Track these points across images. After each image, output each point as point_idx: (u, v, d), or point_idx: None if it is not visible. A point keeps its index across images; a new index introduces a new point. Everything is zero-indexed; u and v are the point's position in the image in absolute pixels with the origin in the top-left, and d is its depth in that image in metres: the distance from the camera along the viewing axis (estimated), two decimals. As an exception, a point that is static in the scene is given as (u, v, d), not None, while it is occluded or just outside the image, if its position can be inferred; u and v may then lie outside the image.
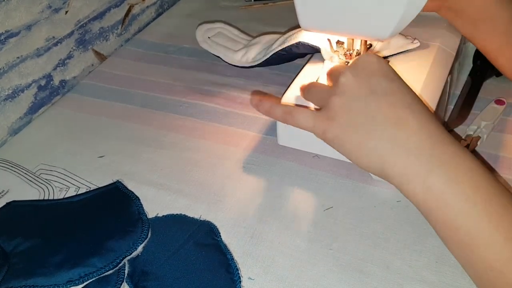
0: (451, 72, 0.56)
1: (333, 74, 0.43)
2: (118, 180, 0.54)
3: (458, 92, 0.62)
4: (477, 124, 0.56)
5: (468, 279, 0.42)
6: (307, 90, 0.45)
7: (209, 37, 0.72)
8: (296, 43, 0.59)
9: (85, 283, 0.43)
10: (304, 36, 0.59)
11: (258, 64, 0.66)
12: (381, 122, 0.37)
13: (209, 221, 0.49)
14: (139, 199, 0.51)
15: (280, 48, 0.61)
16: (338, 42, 0.54)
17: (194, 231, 0.48)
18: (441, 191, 0.35)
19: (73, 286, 0.43)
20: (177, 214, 0.50)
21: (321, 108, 0.41)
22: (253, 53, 0.67)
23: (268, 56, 0.63)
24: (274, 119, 0.46)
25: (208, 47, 0.71)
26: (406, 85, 0.40)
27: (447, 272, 0.43)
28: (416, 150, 0.36)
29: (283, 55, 0.63)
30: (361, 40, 0.52)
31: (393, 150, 0.36)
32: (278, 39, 0.65)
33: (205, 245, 0.46)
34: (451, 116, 0.59)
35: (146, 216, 0.49)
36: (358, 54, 0.53)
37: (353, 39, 0.52)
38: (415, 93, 0.40)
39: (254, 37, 0.71)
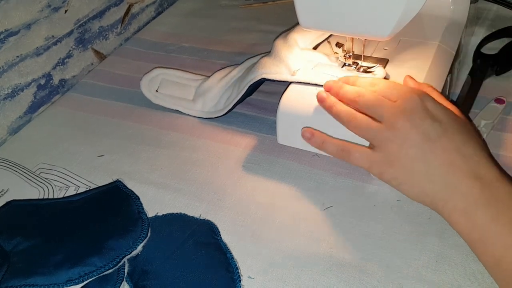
0: (450, 71, 0.56)
1: (377, 109, 0.44)
2: (118, 179, 0.54)
3: (458, 91, 0.62)
4: (477, 123, 0.56)
5: (468, 279, 0.42)
6: (350, 121, 0.45)
7: (156, 90, 0.66)
8: (259, 80, 0.56)
9: (85, 282, 0.43)
10: (265, 69, 0.56)
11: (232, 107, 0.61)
12: (436, 167, 0.41)
13: (209, 220, 0.49)
14: (139, 198, 0.51)
15: (246, 88, 0.58)
16: (337, 43, 0.54)
17: (194, 230, 0.48)
18: (484, 229, 0.38)
19: (73, 285, 0.43)
20: (176, 213, 0.50)
21: (372, 144, 0.44)
22: (213, 99, 0.63)
23: (239, 97, 0.59)
24: (327, 154, 0.48)
25: (162, 101, 0.65)
26: (455, 121, 0.43)
27: (447, 271, 0.43)
28: (465, 192, 0.39)
29: (250, 90, 0.59)
30: (361, 40, 0.52)
31: (446, 193, 0.40)
32: (235, 76, 0.62)
33: (205, 244, 0.46)
34: (451, 115, 0.59)
35: (146, 215, 0.49)
36: (358, 56, 0.53)
37: (352, 41, 0.52)
38: (464, 128, 0.43)
39: (197, 76, 0.67)
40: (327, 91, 0.48)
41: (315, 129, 0.48)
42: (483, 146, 0.42)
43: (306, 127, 0.49)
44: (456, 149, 0.41)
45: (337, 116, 0.47)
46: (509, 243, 0.37)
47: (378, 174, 0.44)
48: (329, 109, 0.47)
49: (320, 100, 0.48)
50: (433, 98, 0.44)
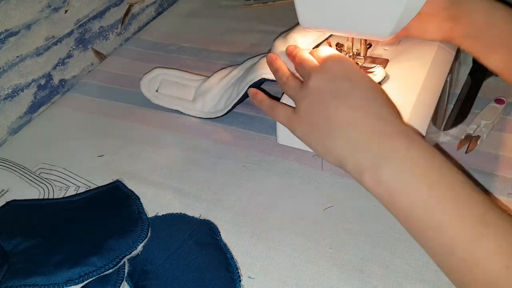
0: (451, 72, 0.56)
1: (305, 68, 0.46)
2: (118, 180, 0.54)
3: (458, 91, 0.62)
4: (477, 124, 0.56)
5: (468, 278, 0.42)
6: (282, 79, 0.49)
7: (156, 90, 0.66)
8: (259, 80, 0.57)
9: (85, 282, 0.43)
10: (265, 69, 0.56)
11: (232, 107, 0.61)
12: (336, 124, 0.41)
13: (209, 220, 0.49)
14: (139, 199, 0.51)
15: (246, 88, 0.58)
16: (337, 44, 0.54)
17: (194, 230, 0.48)
18: (389, 183, 0.38)
19: (72, 285, 0.43)
20: (177, 213, 0.50)
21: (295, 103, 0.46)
22: (213, 99, 0.63)
23: (239, 97, 0.59)
24: (260, 108, 0.51)
25: (162, 101, 0.65)
26: (368, 84, 0.43)
27: (447, 271, 0.43)
28: (365, 148, 0.39)
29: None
30: (361, 40, 0.52)
31: (347, 149, 0.41)
32: (235, 76, 0.62)
33: (205, 244, 0.46)
34: (451, 116, 0.59)
35: (146, 215, 0.49)
36: (358, 54, 0.53)
37: (352, 41, 0.52)
38: (377, 93, 0.43)
39: (197, 76, 0.67)
40: (287, 54, 0.51)
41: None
42: (392, 105, 0.43)
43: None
44: (361, 107, 0.41)
45: (275, 73, 0.50)
46: (412, 199, 0.37)
47: (292, 130, 0.46)
48: (275, 71, 0.50)
49: (270, 62, 0.51)
50: (351, 61, 0.45)
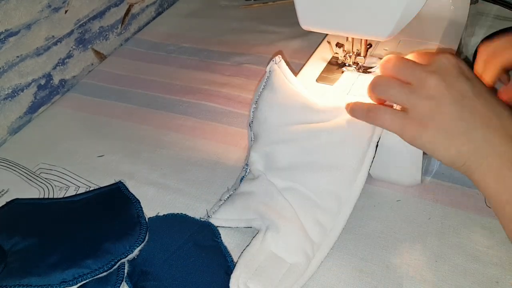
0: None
1: (414, 70, 0.42)
2: (120, 181, 0.54)
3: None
4: None
5: (468, 279, 0.42)
6: (380, 85, 0.43)
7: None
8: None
9: (82, 283, 0.43)
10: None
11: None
12: (476, 126, 0.39)
13: (210, 222, 0.49)
14: (139, 202, 0.51)
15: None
16: (337, 44, 0.54)
17: (194, 232, 0.48)
18: None
19: (67, 286, 0.43)
20: (178, 213, 0.50)
21: (404, 108, 0.42)
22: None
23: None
24: (356, 118, 0.45)
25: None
26: (484, 85, 0.42)
27: (447, 271, 0.43)
28: (502, 152, 0.38)
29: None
30: (361, 40, 0.52)
31: (484, 152, 0.39)
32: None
33: (205, 247, 0.46)
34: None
35: (145, 219, 0.49)
36: (358, 54, 0.53)
37: (352, 41, 0.52)
38: (491, 91, 0.41)
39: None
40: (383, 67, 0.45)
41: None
42: (510, 108, 0.41)
43: None
44: (491, 108, 0.40)
45: (371, 85, 0.44)
46: None
47: (410, 139, 0.41)
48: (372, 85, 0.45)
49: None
50: (464, 63, 0.43)
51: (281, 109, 0.49)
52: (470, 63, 0.65)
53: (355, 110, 0.45)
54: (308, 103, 0.49)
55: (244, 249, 0.44)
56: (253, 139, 0.52)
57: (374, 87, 0.44)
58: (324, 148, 0.46)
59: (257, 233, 0.45)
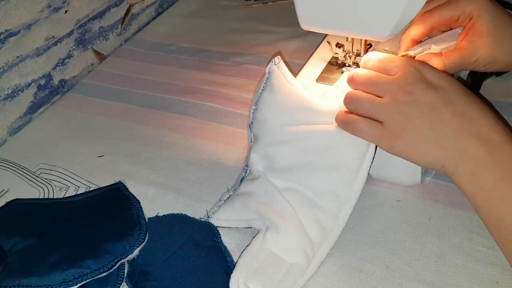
0: (451, 72, 0.56)
1: (379, 83, 0.44)
2: (120, 181, 0.54)
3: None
4: (424, 45, 0.53)
5: (468, 279, 0.42)
6: (353, 102, 0.45)
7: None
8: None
9: (82, 283, 0.43)
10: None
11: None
12: (445, 134, 0.41)
13: (210, 222, 0.49)
14: (139, 202, 0.51)
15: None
16: (337, 44, 0.54)
17: (194, 232, 0.48)
18: (489, 190, 0.39)
19: (67, 287, 0.43)
20: (178, 213, 0.50)
21: (378, 120, 0.44)
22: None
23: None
24: (341, 127, 0.46)
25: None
26: (456, 86, 0.43)
27: (446, 271, 0.43)
28: (474, 155, 0.40)
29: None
30: (361, 40, 0.52)
31: (456, 157, 0.41)
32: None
33: (205, 247, 0.46)
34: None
35: (145, 220, 0.49)
36: (358, 54, 0.53)
37: (352, 41, 0.52)
38: (466, 92, 0.43)
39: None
40: (348, 81, 0.47)
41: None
42: (488, 108, 0.42)
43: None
44: (462, 113, 0.41)
45: (346, 99, 0.46)
46: (510, 208, 0.38)
47: (387, 147, 0.43)
48: (349, 97, 0.46)
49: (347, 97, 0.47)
50: (431, 66, 0.45)
51: (280, 110, 0.49)
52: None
53: (337, 120, 0.46)
54: (308, 104, 0.49)
55: (244, 249, 0.44)
56: (253, 140, 0.52)
57: (348, 104, 0.46)
58: (324, 148, 0.46)
59: (257, 233, 0.45)
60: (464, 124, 0.41)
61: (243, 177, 0.51)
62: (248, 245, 0.44)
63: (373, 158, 0.46)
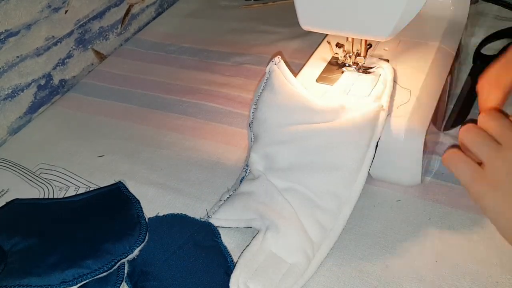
0: (450, 72, 0.56)
1: (494, 127, 0.40)
2: (120, 181, 0.54)
3: (458, 92, 0.62)
4: None
5: (468, 279, 0.42)
6: (470, 133, 0.41)
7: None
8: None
9: (82, 283, 0.43)
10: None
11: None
12: None
13: (210, 222, 0.48)
14: (139, 202, 0.51)
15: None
16: (337, 44, 0.54)
17: (194, 232, 0.48)
18: None
19: (67, 287, 0.43)
20: (177, 213, 0.50)
21: (481, 161, 0.39)
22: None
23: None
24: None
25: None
26: None
27: (446, 271, 0.43)
28: None
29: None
30: (361, 40, 0.52)
31: None
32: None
33: (205, 247, 0.46)
34: (451, 116, 0.59)
35: (145, 220, 0.49)
36: (358, 54, 0.53)
37: (352, 41, 0.52)
38: None
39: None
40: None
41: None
42: None
43: None
44: None
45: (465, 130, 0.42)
46: None
47: (476, 195, 0.39)
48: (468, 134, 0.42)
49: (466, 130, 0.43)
50: None
51: (281, 109, 0.49)
52: (470, 64, 0.65)
53: (448, 154, 0.42)
54: (308, 104, 0.49)
55: (244, 249, 0.44)
56: (253, 139, 0.52)
57: (464, 135, 0.42)
58: (324, 148, 0.46)
59: (257, 233, 0.45)
60: None
61: (243, 177, 0.51)
62: (248, 245, 0.44)
63: (373, 158, 0.46)
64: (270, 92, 0.50)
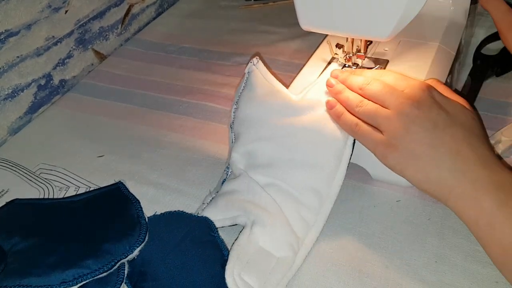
0: (451, 72, 0.56)
1: (386, 96, 0.44)
2: (120, 181, 0.54)
3: (458, 92, 0.62)
4: (496, 138, 0.53)
5: (468, 279, 0.42)
6: (359, 106, 0.46)
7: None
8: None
9: (82, 283, 0.43)
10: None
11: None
12: (443, 154, 0.41)
13: (206, 217, 0.48)
14: (139, 202, 0.51)
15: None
16: (337, 44, 0.54)
17: (191, 228, 0.48)
18: (492, 213, 0.38)
19: (67, 287, 0.43)
20: (174, 210, 0.50)
21: (380, 129, 0.44)
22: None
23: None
24: (341, 126, 0.47)
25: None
26: (462, 113, 0.44)
27: (446, 271, 0.43)
28: (473, 178, 0.40)
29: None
30: (361, 40, 0.52)
31: (453, 179, 0.40)
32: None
33: (202, 242, 0.46)
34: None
35: (145, 219, 0.49)
36: (358, 51, 0.53)
37: (352, 42, 0.52)
38: (471, 120, 0.44)
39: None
40: (333, 78, 0.49)
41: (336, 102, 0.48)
42: (488, 140, 0.43)
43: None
44: (463, 138, 0.41)
45: (346, 101, 0.47)
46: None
47: (381, 157, 0.44)
48: (337, 94, 0.48)
49: (329, 85, 0.49)
50: (439, 91, 0.45)
51: (261, 106, 0.50)
52: (470, 64, 0.65)
53: (344, 117, 0.46)
54: (288, 99, 0.50)
55: (233, 243, 0.44)
56: (233, 140, 0.52)
57: (353, 104, 0.46)
58: (302, 145, 0.47)
59: (243, 228, 0.45)
60: (464, 148, 0.41)
61: (225, 179, 0.52)
62: (236, 239, 0.44)
63: (351, 155, 0.47)
64: (249, 91, 0.52)
